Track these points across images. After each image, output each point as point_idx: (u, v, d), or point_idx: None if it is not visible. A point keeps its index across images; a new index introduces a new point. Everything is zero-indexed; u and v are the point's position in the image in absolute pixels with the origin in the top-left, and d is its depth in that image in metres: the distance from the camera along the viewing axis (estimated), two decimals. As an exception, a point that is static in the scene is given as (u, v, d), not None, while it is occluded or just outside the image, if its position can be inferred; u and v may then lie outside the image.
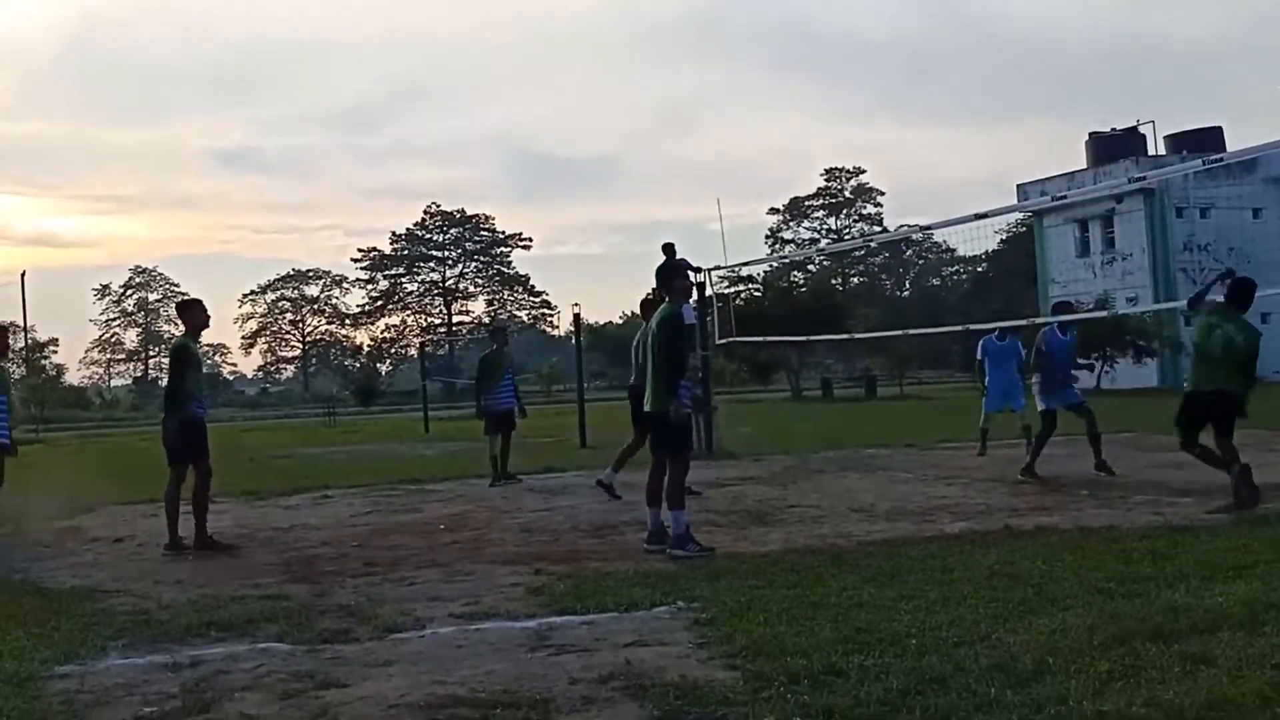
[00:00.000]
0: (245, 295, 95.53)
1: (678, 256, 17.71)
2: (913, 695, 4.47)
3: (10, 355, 13.18)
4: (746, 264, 26.13)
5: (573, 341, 30.60)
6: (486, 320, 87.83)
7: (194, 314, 10.07)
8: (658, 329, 8.62)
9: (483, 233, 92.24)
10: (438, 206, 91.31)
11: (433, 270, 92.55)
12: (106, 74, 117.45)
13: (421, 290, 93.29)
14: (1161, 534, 8.07)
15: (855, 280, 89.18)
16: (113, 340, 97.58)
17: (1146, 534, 8.09)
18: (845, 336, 30.67)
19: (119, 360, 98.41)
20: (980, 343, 15.57)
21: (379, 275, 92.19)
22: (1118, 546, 7.62)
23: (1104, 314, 29.77)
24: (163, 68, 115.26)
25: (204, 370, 10.65)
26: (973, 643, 5.18)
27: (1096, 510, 9.64)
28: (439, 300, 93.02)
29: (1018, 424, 14.48)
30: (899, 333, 18.49)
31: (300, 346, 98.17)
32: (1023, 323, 16.12)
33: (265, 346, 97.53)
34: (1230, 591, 5.98)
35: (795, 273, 72.92)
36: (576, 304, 59.80)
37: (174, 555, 9.27)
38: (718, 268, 19.17)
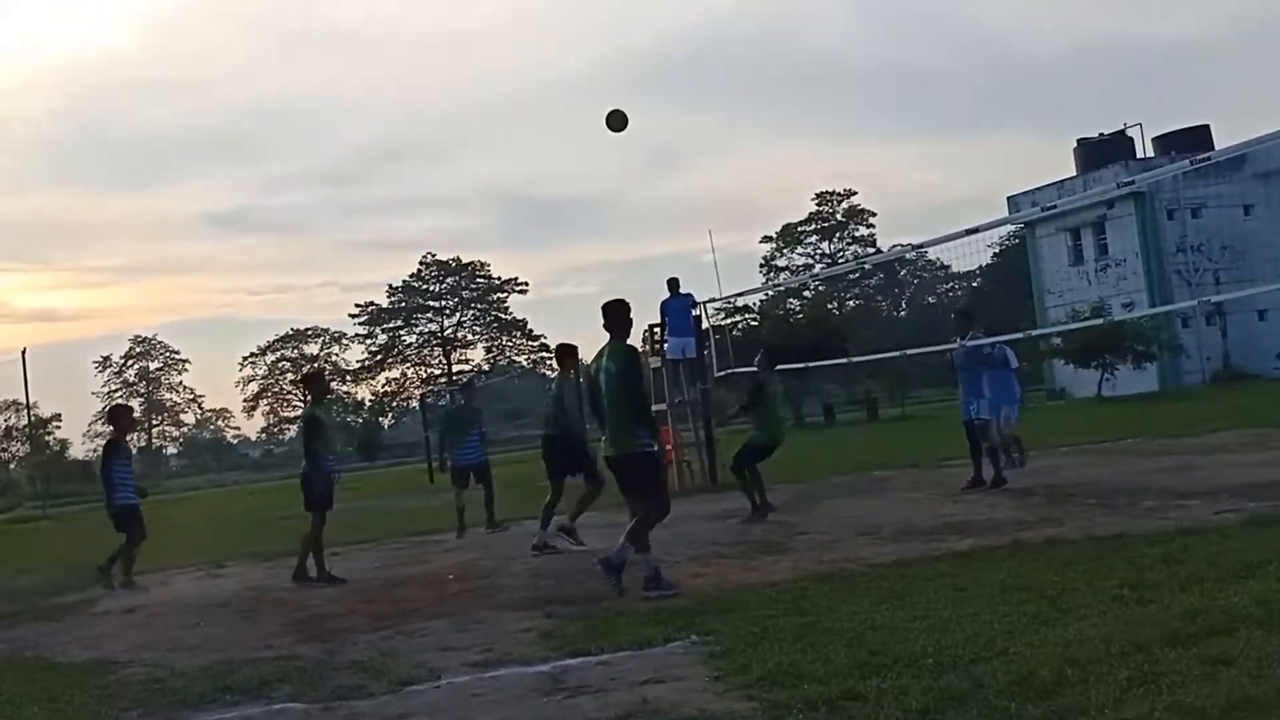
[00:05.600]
0: (245, 358, 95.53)
1: (682, 291, 17.85)
2: (932, 714, 4.45)
3: None
4: (742, 294, 26.21)
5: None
6: (486, 368, 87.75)
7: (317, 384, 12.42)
8: (624, 369, 8.36)
9: (479, 280, 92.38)
10: (433, 256, 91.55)
11: (430, 321, 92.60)
12: (95, 146, 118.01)
13: (420, 342, 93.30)
14: (1172, 538, 8.02)
15: (851, 303, 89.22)
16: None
17: (1157, 539, 8.04)
18: (844, 360, 30.71)
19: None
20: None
21: (377, 329, 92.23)
22: (1129, 553, 7.58)
23: (1100, 321, 29.74)
24: (149, 136, 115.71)
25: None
26: (990, 658, 5.14)
27: (1105, 519, 9.60)
28: (438, 350, 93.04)
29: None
30: (897, 354, 18.48)
31: (302, 406, 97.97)
32: (1019, 336, 16.06)
33: (268, 408, 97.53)
34: (1245, 591, 5.93)
35: (791, 300, 72.84)
36: (575, 345, 59.62)
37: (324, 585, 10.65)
38: (713, 300, 19.22)
